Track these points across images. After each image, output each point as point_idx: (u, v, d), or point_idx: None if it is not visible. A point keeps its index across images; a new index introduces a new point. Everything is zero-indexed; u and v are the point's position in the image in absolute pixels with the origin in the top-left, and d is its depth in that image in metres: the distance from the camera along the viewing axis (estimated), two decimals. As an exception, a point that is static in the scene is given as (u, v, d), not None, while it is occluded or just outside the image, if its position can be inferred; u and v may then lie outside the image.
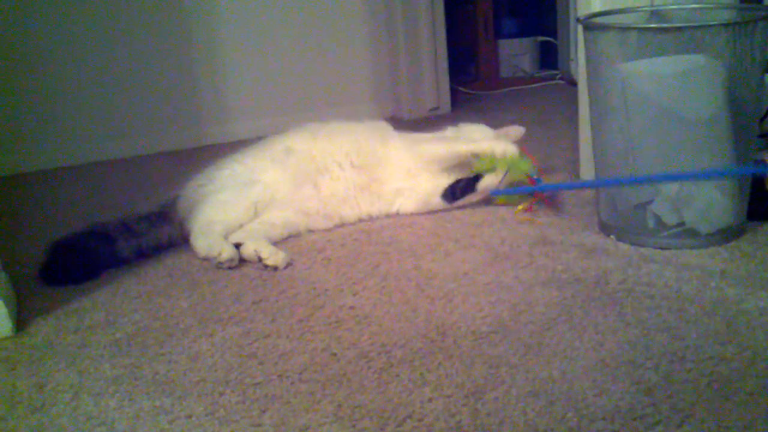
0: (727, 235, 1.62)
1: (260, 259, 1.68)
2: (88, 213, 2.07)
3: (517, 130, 2.08)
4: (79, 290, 1.63)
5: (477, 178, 1.92)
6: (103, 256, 1.73)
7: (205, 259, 1.72)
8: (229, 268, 1.69)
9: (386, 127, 2.06)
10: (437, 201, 1.95)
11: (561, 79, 3.53)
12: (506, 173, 1.89)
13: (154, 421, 1.15)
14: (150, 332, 1.43)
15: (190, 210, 1.83)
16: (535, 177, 1.89)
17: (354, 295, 1.52)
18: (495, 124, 2.14)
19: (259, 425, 1.12)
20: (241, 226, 1.80)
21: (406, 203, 1.96)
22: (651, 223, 1.62)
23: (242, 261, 1.72)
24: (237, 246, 1.73)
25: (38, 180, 2.61)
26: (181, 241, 1.82)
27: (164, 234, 1.82)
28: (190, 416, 1.16)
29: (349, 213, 1.93)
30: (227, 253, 1.69)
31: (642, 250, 1.61)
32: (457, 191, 1.93)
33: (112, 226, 1.78)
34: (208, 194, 1.85)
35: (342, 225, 1.92)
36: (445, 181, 1.94)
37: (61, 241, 1.73)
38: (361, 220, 1.94)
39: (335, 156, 1.93)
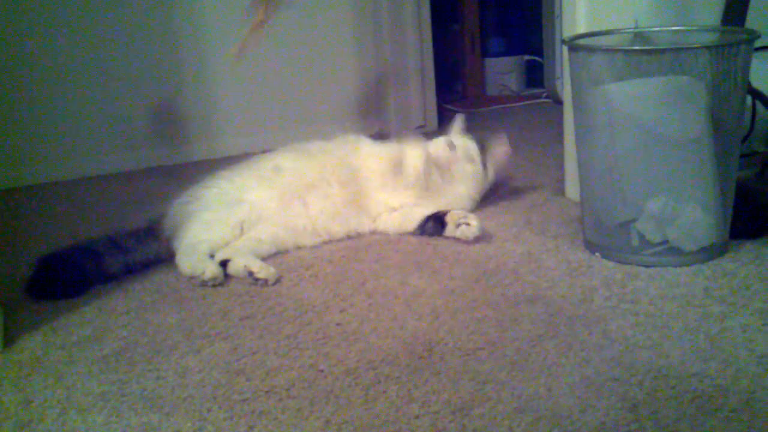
0: (711, 253, 1.64)
1: (251, 273, 1.69)
2: (76, 229, 2.07)
3: (501, 142, 2.12)
4: (66, 306, 1.63)
5: (443, 222, 1.91)
6: (91, 272, 1.73)
7: (190, 278, 1.73)
8: (214, 286, 1.70)
9: (362, 139, 2.09)
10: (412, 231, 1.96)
11: (547, 97, 3.56)
12: None
13: (142, 437, 1.16)
14: (137, 348, 1.43)
15: (176, 228, 1.83)
16: None
17: (341, 311, 1.53)
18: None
19: (247, 441, 1.12)
20: (227, 244, 1.80)
21: (389, 225, 1.98)
22: (635, 241, 1.64)
23: (228, 277, 1.73)
24: (225, 262, 1.74)
25: (25, 195, 2.61)
26: (168, 257, 1.82)
27: (152, 250, 1.82)
28: (177, 432, 1.16)
29: (338, 229, 1.94)
30: (210, 272, 1.70)
31: (626, 267, 1.63)
32: (426, 231, 1.94)
33: (99, 242, 1.78)
34: (193, 213, 1.85)
35: (330, 241, 1.93)
36: (422, 210, 1.96)
37: (48, 256, 1.73)
38: (349, 237, 1.95)
39: (323, 173, 1.95)
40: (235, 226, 1.83)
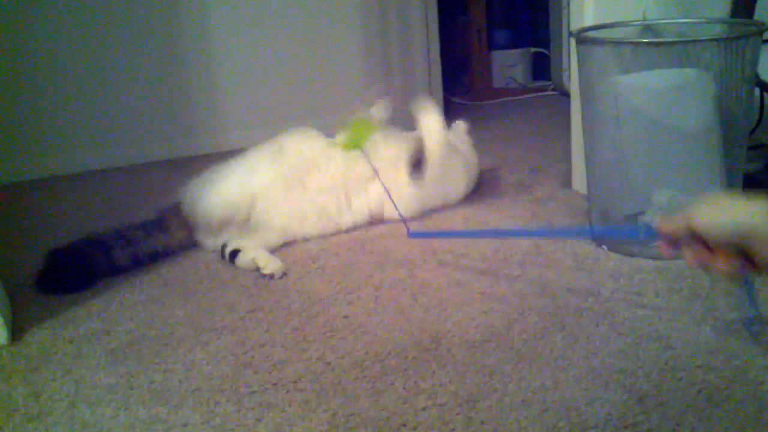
0: (718, 245, 1.63)
1: (258, 269, 1.69)
2: (83, 222, 2.07)
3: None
4: (74, 299, 1.63)
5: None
6: (100, 264, 1.74)
7: (222, 217, 1.81)
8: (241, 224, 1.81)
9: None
10: (408, 180, 1.98)
11: (553, 90, 3.55)
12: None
13: (150, 430, 1.16)
14: (145, 341, 1.44)
15: (194, 204, 1.87)
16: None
17: (348, 304, 1.53)
18: (488, 134, 2.16)
19: (255, 433, 1.13)
20: (237, 215, 1.83)
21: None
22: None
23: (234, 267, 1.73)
24: (234, 253, 1.75)
25: (32, 189, 2.62)
26: (177, 249, 1.84)
27: (160, 242, 1.83)
28: (185, 425, 1.17)
29: (336, 210, 1.94)
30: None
31: (633, 260, 1.63)
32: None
33: (107, 235, 1.79)
34: (210, 185, 1.90)
35: (336, 231, 1.93)
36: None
37: (58, 250, 1.74)
38: (354, 225, 1.95)
39: (326, 150, 1.97)
40: (248, 194, 1.85)
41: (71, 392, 1.28)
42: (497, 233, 1.83)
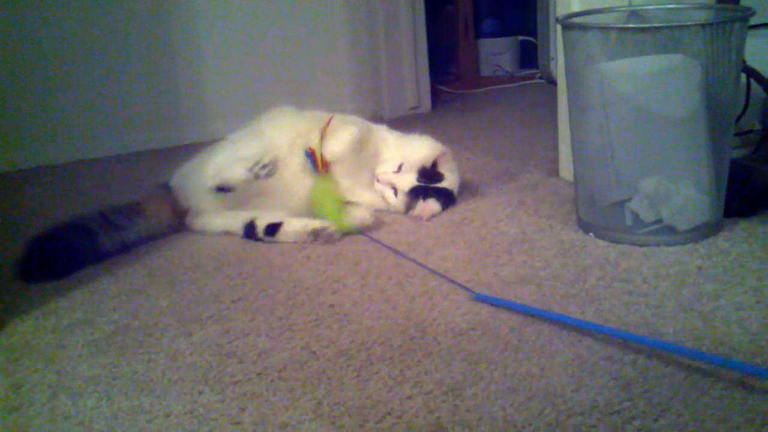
0: (704, 231, 1.63)
1: (313, 232, 1.77)
2: (68, 212, 2.04)
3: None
4: (57, 290, 1.62)
5: None
6: (84, 250, 1.73)
7: (246, 176, 1.78)
8: (267, 176, 1.79)
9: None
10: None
11: (540, 78, 3.55)
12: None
13: (133, 420, 1.15)
14: (129, 331, 1.43)
15: (188, 177, 1.91)
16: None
17: (334, 293, 1.52)
18: (475, 122, 2.15)
19: (238, 423, 1.12)
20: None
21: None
22: (629, 221, 1.63)
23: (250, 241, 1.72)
24: (274, 227, 1.80)
25: (15, 179, 2.59)
26: (157, 235, 1.85)
27: (140, 226, 1.83)
28: (168, 415, 1.15)
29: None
30: (268, 156, 1.79)
31: (620, 247, 1.63)
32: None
33: (88, 219, 1.78)
34: (214, 153, 1.91)
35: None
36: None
37: (40, 236, 1.72)
38: None
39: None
40: (266, 151, 1.84)
41: (53, 383, 1.26)
42: (581, 324, 1.32)
